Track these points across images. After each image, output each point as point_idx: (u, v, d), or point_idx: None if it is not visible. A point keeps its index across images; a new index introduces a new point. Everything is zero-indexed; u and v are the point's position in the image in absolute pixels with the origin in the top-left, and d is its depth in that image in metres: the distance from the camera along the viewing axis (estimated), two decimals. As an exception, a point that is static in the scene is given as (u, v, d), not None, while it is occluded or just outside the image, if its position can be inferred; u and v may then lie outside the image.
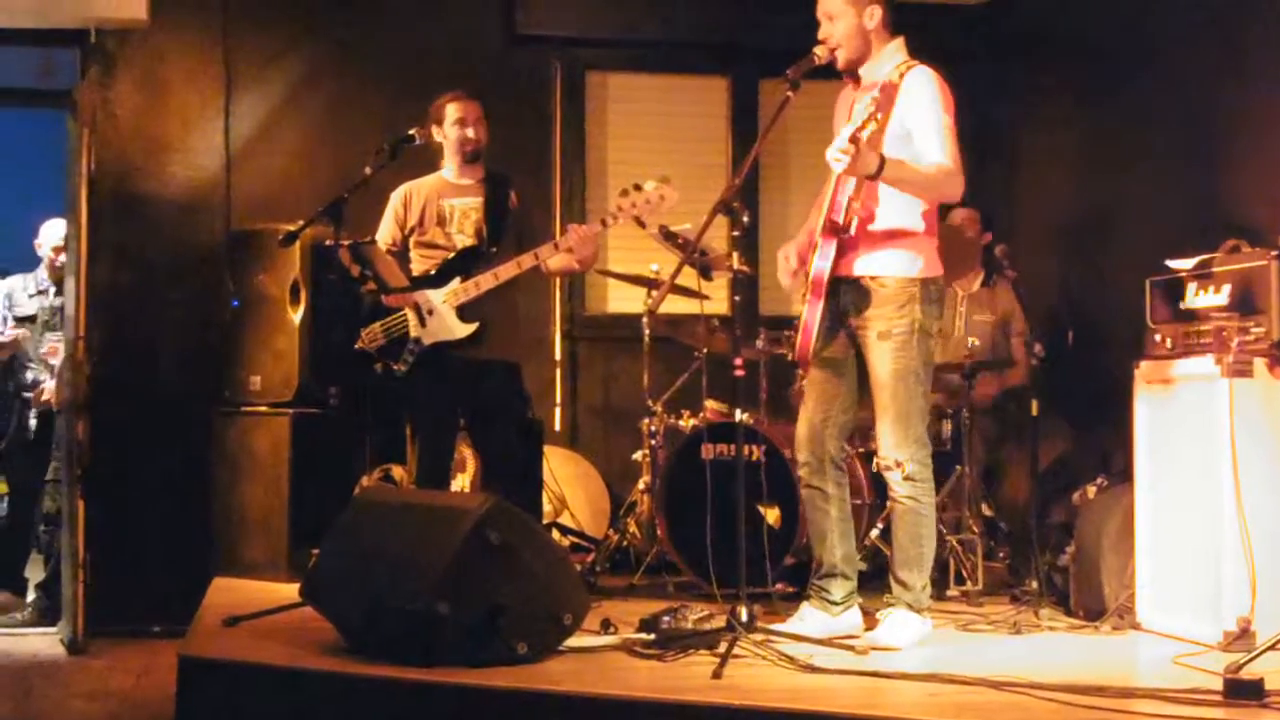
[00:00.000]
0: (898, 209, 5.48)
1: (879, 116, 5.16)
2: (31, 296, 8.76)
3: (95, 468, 7.62)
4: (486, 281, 6.49)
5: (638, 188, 6.40)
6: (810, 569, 6.59)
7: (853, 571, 5.79)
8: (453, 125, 6.71)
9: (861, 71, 5.61)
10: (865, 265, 5.52)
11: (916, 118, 5.39)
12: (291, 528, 7.33)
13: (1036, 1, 8.43)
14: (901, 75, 5.45)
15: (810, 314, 5.54)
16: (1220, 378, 5.44)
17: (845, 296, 5.56)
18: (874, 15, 5.56)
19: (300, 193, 8.04)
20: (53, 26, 8.12)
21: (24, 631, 8.09)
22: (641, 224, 6.49)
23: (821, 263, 5.47)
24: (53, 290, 8.67)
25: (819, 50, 5.58)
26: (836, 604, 5.70)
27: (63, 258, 8.59)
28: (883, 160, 5.22)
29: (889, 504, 5.67)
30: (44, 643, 7.77)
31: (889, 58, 5.57)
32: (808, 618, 5.69)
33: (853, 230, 5.46)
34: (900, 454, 5.50)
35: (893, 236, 5.50)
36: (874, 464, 5.74)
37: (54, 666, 7.26)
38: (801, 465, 5.79)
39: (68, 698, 6.59)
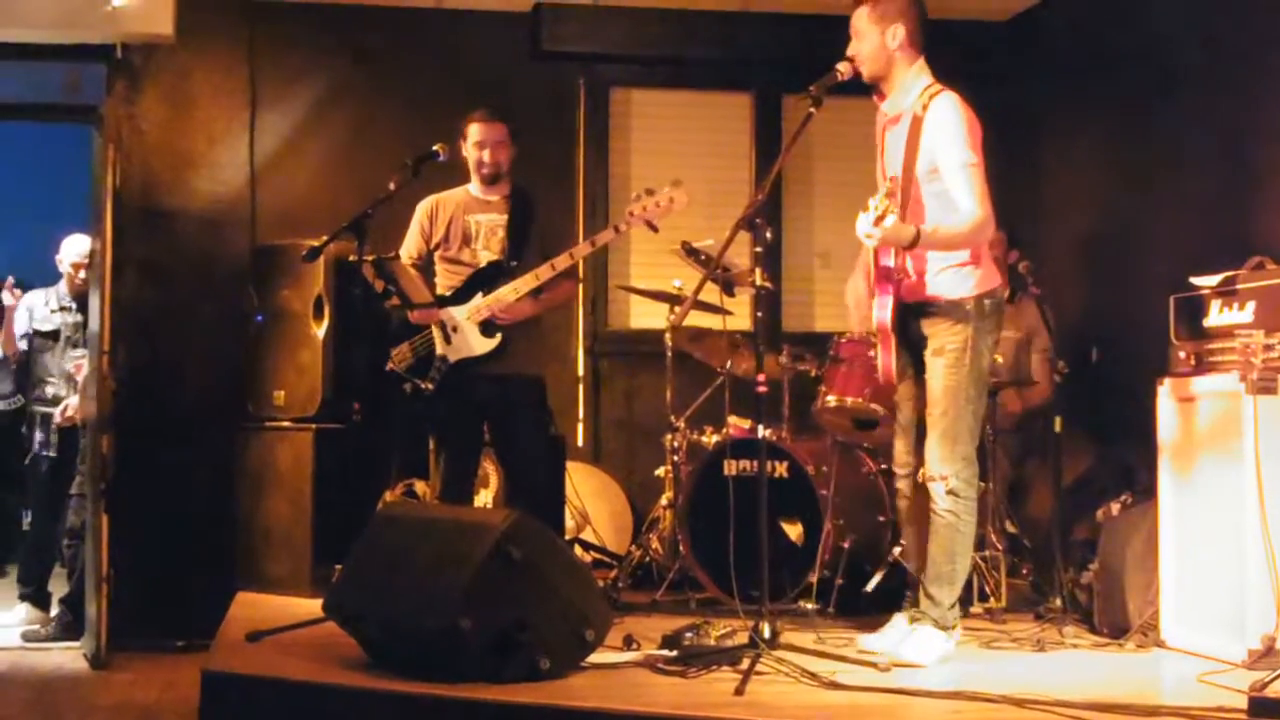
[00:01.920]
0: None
1: (894, 208, 5.16)
2: (54, 312, 8.78)
3: (119, 483, 7.63)
4: (506, 295, 6.50)
5: (649, 192, 6.41)
6: (832, 584, 6.61)
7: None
8: (472, 147, 6.73)
9: (887, 101, 5.64)
10: (917, 292, 5.57)
11: (942, 156, 5.40)
12: (314, 543, 7.34)
13: (1060, 17, 8.42)
14: (925, 106, 5.45)
15: (885, 356, 5.61)
16: (1245, 395, 5.42)
17: (908, 317, 5.61)
18: (896, 35, 5.55)
19: (324, 208, 8.06)
20: (80, 42, 8.15)
21: (48, 646, 8.12)
22: (654, 228, 6.48)
23: (882, 313, 5.52)
24: (75, 306, 8.69)
25: (841, 66, 5.60)
26: (953, 627, 5.67)
27: (83, 274, 8.63)
28: (917, 233, 5.25)
29: (930, 516, 5.63)
30: (67, 657, 7.79)
31: (913, 81, 5.57)
32: (901, 628, 5.70)
33: (913, 275, 5.53)
34: (946, 469, 5.49)
35: (945, 261, 5.54)
36: (919, 475, 5.71)
37: (77, 681, 7.28)
38: (901, 479, 5.84)
39: (91, 712, 6.61)
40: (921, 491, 5.76)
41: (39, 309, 8.82)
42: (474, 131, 6.70)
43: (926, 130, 5.44)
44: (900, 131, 5.55)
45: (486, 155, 6.70)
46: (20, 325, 8.85)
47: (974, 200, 5.39)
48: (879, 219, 5.16)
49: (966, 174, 5.40)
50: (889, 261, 5.49)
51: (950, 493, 5.50)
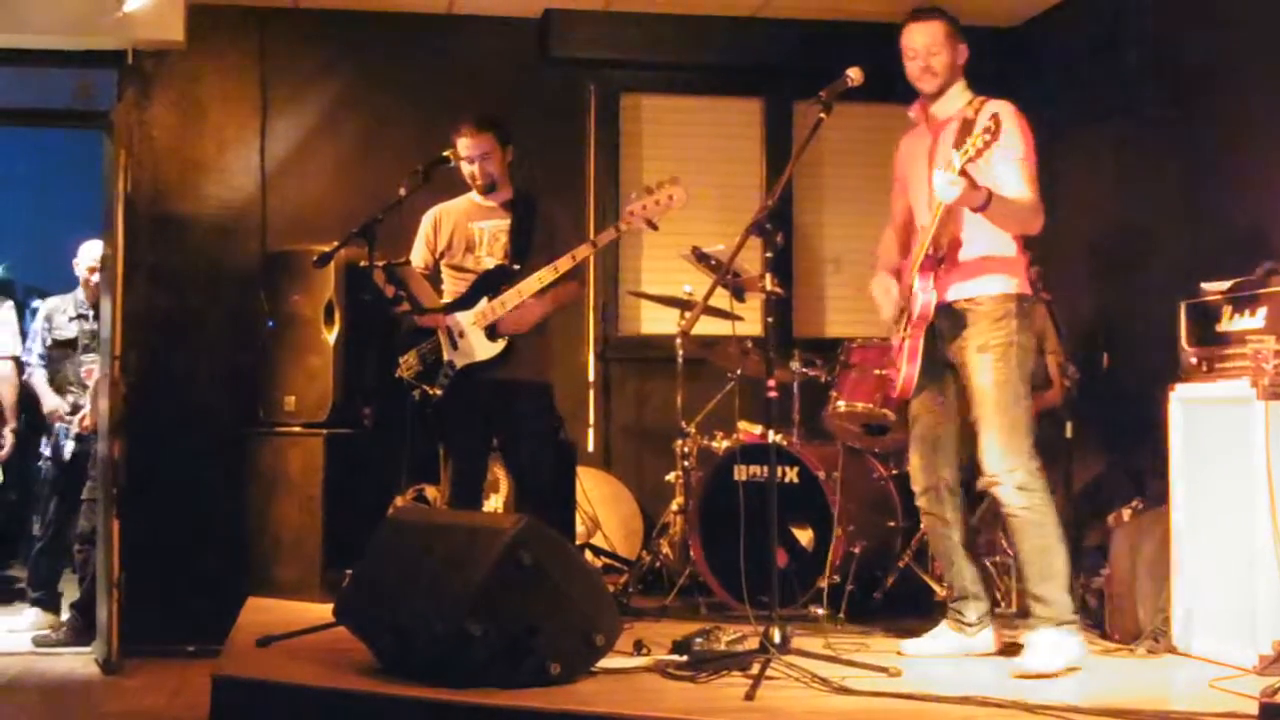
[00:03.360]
0: (989, 235, 5.53)
1: (983, 147, 5.17)
2: (71, 320, 8.79)
3: (130, 488, 7.64)
4: (511, 299, 6.50)
5: (648, 190, 6.41)
6: (842, 590, 6.61)
7: (984, 592, 5.84)
8: (462, 161, 6.70)
9: (937, 105, 5.71)
10: (960, 290, 5.58)
11: (997, 152, 5.37)
12: (325, 548, 7.35)
13: (1071, 23, 8.41)
14: (976, 110, 5.48)
15: (912, 348, 5.59)
16: (1256, 400, 5.42)
17: (942, 323, 5.60)
18: (963, 54, 5.69)
19: (335, 214, 8.06)
20: (91, 48, 8.16)
21: (59, 651, 8.12)
22: (653, 226, 6.46)
23: (926, 296, 5.52)
24: (92, 314, 8.70)
25: (852, 72, 5.62)
26: (971, 625, 5.77)
27: (96, 278, 8.64)
28: (989, 194, 5.27)
29: (1007, 520, 5.62)
30: (78, 662, 7.79)
31: (959, 94, 5.68)
32: (941, 637, 5.78)
33: (960, 259, 5.55)
34: (1011, 463, 5.46)
35: (986, 260, 5.57)
36: (978, 484, 5.69)
37: (88, 686, 7.28)
38: (920, 495, 5.84)
39: (102, 717, 6.62)
40: (944, 504, 5.75)
41: (58, 317, 8.83)
42: (460, 146, 6.66)
43: (979, 126, 5.39)
44: (947, 132, 5.57)
45: (476, 169, 6.68)
46: (38, 333, 8.86)
47: (1028, 187, 5.45)
48: (972, 159, 5.17)
49: (1020, 166, 5.46)
50: (937, 251, 5.50)
51: (1020, 488, 5.46)
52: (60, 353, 8.78)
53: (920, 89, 5.72)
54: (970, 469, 5.74)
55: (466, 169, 6.69)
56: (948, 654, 5.70)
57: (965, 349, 5.58)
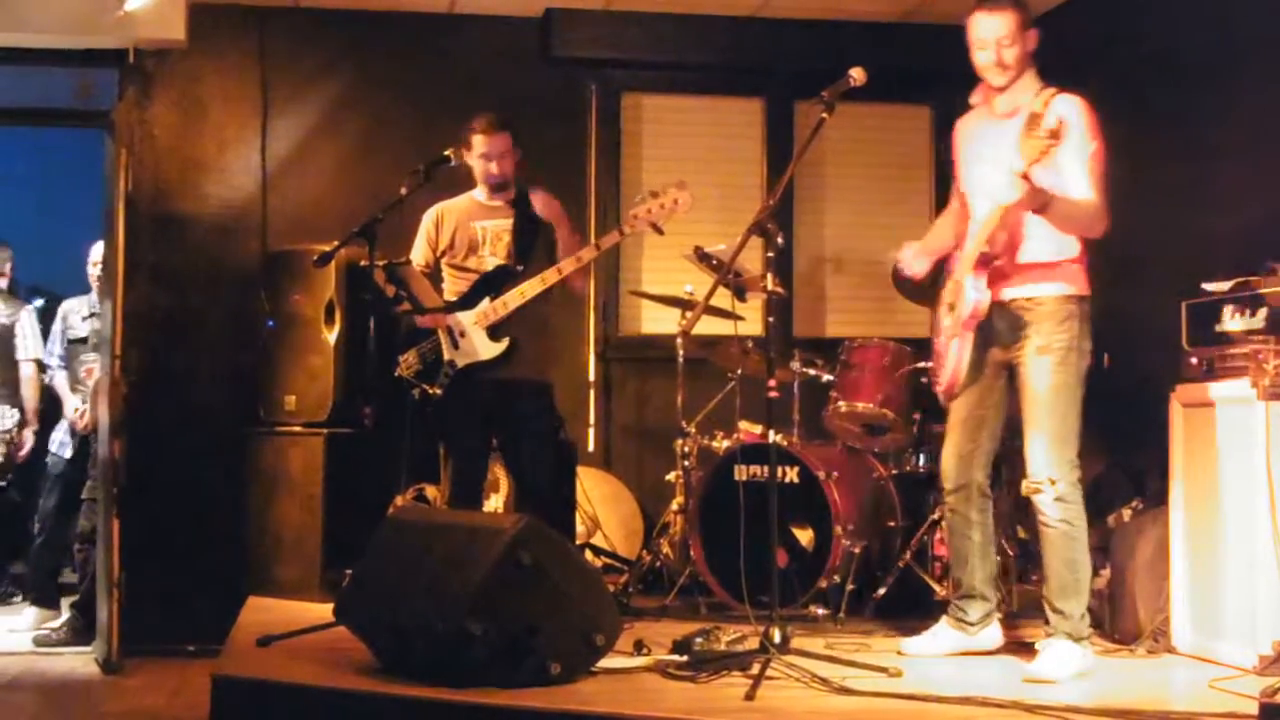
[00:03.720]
0: (1053, 233, 5.44)
1: (1046, 149, 5.07)
2: (84, 319, 8.82)
3: (130, 487, 7.64)
4: (514, 300, 6.50)
5: (654, 194, 6.41)
6: (842, 590, 6.61)
7: (992, 594, 5.82)
8: (478, 158, 6.70)
9: (1003, 98, 5.57)
10: (1019, 290, 5.50)
11: (1069, 151, 5.30)
12: (325, 547, 7.35)
13: (1075, 24, 8.40)
14: (1046, 103, 5.34)
15: (961, 348, 5.55)
16: (1256, 401, 5.42)
17: (998, 322, 5.54)
18: (1033, 42, 5.54)
19: (335, 213, 8.06)
20: (92, 47, 8.17)
21: (59, 651, 8.12)
22: (659, 230, 6.47)
23: (979, 295, 5.42)
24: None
25: (854, 72, 5.59)
26: (972, 624, 5.74)
27: (98, 270, 8.67)
28: (1051, 196, 5.20)
29: (1041, 530, 5.55)
30: (79, 662, 7.80)
31: (1027, 85, 5.53)
32: (940, 635, 5.77)
33: (1020, 259, 5.46)
34: (1054, 472, 5.42)
35: (1048, 259, 5.49)
36: (1022, 488, 5.67)
37: (88, 686, 7.28)
38: (949, 493, 5.79)
39: (102, 717, 6.62)
40: (971, 504, 5.73)
41: (72, 317, 8.88)
42: (479, 143, 6.67)
43: (1049, 119, 5.29)
44: (1013, 124, 5.41)
45: (494, 167, 6.67)
46: (57, 335, 8.92)
47: (1093, 189, 5.34)
48: (1036, 160, 5.08)
49: (1089, 165, 5.35)
50: (993, 249, 5.43)
51: (1060, 499, 5.43)
52: (74, 350, 8.84)
53: (990, 82, 5.58)
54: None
55: (482, 166, 6.68)
56: (949, 652, 5.69)
57: (1024, 350, 5.50)
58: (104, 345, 7.94)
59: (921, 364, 6.92)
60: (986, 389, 5.66)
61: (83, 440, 8.64)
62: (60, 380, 8.87)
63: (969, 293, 5.44)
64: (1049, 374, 5.44)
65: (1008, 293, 5.51)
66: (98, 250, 8.80)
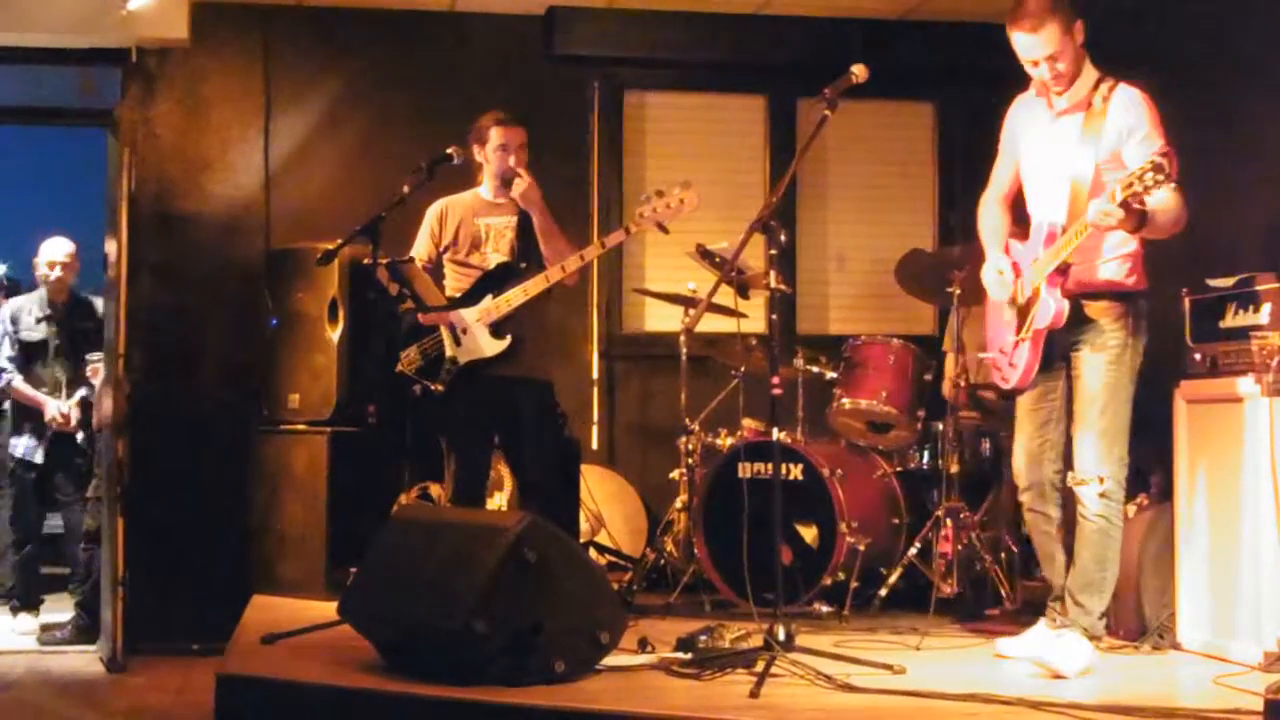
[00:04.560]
0: (1115, 236, 5.37)
1: (1154, 183, 4.88)
2: (39, 321, 8.70)
3: (134, 486, 7.64)
4: (516, 298, 6.51)
5: (659, 194, 6.41)
6: (847, 587, 6.60)
7: None
8: (495, 150, 6.68)
9: (1065, 95, 5.45)
10: (1090, 280, 5.43)
11: (1132, 144, 5.25)
12: (329, 546, 7.35)
13: (1085, 18, 8.40)
14: (1105, 99, 5.32)
15: (1034, 350, 5.44)
16: (1260, 397, 5.42)
17: None
18: (1080, 32, 5.37)
19: (338, 211, 8.05)
20: (95, 45, 8.16)
21: (63, 649, 8.12)
22: (664, 229, 6.47)
23: (1057, 305, 5.33)
24: (57, 314, 8.66)
25: (856, 69, 5.57)
26: (1101, 639, 5.58)
27: (58, 271, 8.64)
28: (1143, 216, 5.09)
29: (1078, 520, 5.51)
30: (83, 660, 7.80)
31: (1085, 76, 5.41)
32: (1038, 635, 5.62)
33: (1075, 265, 5.39)
34: (1103, 469, 5.40)
35: (1115, 251, 5.43)
36: (1067, 479, 5.63)
37: (93, 684, 7.28)
38: (1023, 491, 5.70)
39: (106, 716, 6.61)
40: (1047, 501, 5.64)
41: (24, 316, 8.72)
42: (497, 135, 6.66)
43: (1111, 119, 5.29)
44: (1074, 122, 5.39)
45: (512, 159, 6.65)
46: (4, 336, 8.68)
47: (1170, 189, 5.18)
48: (1136, 195, 4.92)
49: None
50: (1071, 259, 5.34)
51: (1104, 495, 5.40)
52: (30, 353, 8.70)
53: (1051, 93, 5.45)
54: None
55: (500, 157, 6.65)
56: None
57: (1080, 347, 5.45)
58: (108, 344, 7.93)
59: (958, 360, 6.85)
60: (1053, 383, 5.59)
61: (54, 440, 8.61)
62: (20, 384, 8.66)
63: (1047, 301, 5.36)
64: (1103, 372, 5.41)
65: (1076, 287, 5.42)
66: (48, 246, 8.74)
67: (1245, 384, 5.52)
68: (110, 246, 8.01)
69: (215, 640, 6.54)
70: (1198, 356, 5.92)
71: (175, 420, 8.14)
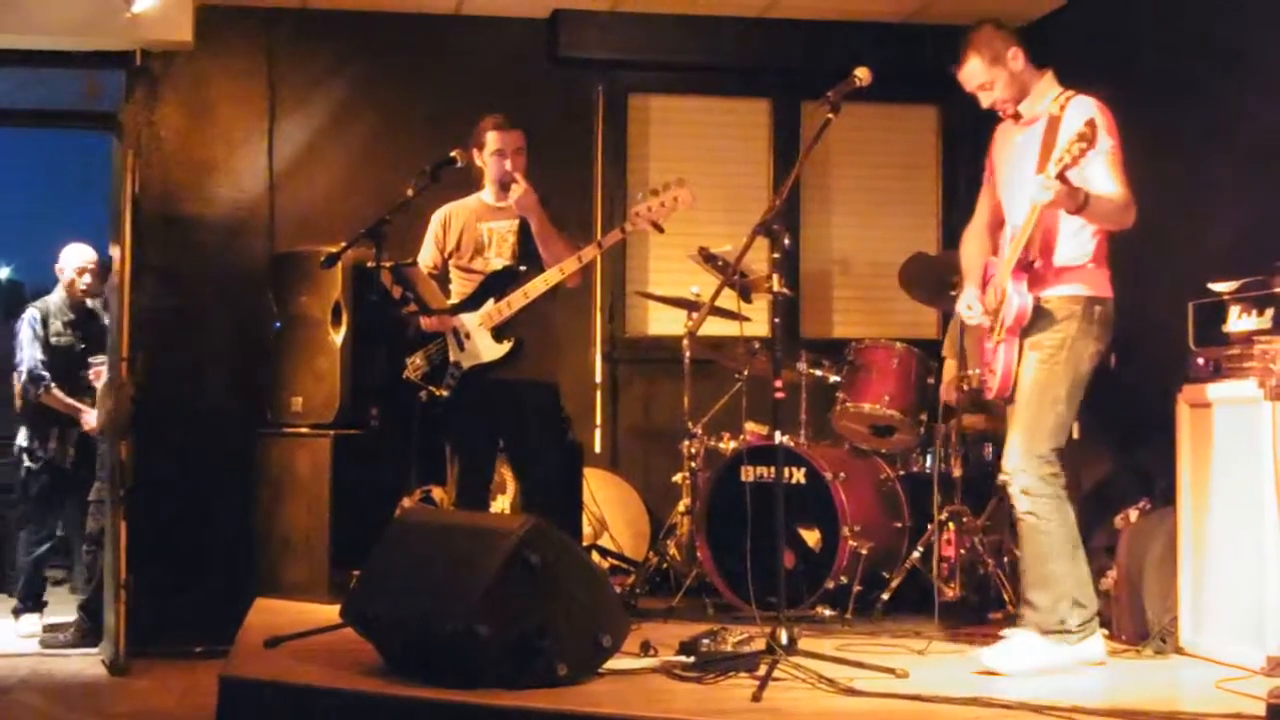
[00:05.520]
0: (1072, 238, 5.49)
1: (1079, 152, 5.13)
2: (65, 325, 8.70)
3: (138, 489, 7.64)
4: (518, 300, 6.51)
5: (654, 192, 6.41)
6: (849, 591, 6.60)
7: (1088, 599, 5.58)
8: (492, 155, 6.70)
9: (1023, 105, 5.65)
10: (1047, 290, 5.52)
11: (1090, 152, 5.29)
12: (332, 549, 7.35)
13: (1074, 24, 8.40)
14: (1062, 107, 5.47)
15: (1009, 351, 5.54)
16: (1264, 401, 5.41)
17: (1036, 321, 5.54)
18: (1017, 58, 5.61)
19: (342, 215, 8.07)
20: (99, 49, 8.17)
21: (66, 652, 8.12)
22: (659, 228, 6.47)
23: (1022, 300, 5.45)
24: (79, 318, 8.66)
25: (860, 72, 5.61)
26: (1073, 633, 5.55)
27: (86, 279, 8.62)
28: (1086, 196, 5.23)
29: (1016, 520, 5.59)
30: (86, 663, 7.80)
31: (1044, 91, 5.62)
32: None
33: (1038, 264, 5.48)
34: (1022, 465, 5.45)
35: (1069, 263, 5.52)
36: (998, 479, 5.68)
37: (96, 687, 7.29)
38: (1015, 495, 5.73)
39: (110, 718, 6.62)
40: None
41: (52, 323, 8.72)
42: (493, 140, 6.67)
43: (1066, 125, 5.40)
44: (1035, 132, 5.55)
45: (509, 164, 6.66)
46: (26, 339, 8.67)
47: (1118, 183, 5.38)
48: (1069, 165, 5.13)
49: (1109, 159, 5.39)
50: (1032, 255, 5.45)
51: (1025, 492, 5.45)
52: (55, 358, 8.70)
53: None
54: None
55: (496, 163, 6.67)
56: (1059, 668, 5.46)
57: (1025, 344, 5.54)
58: (111, 347, 7.93)
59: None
60: None
61: (80, 442, 8.61)
62: (58, 391, 8.62)
63: (1013, 298, 5.47)
64: (1033, 370, 5.49)
65: (1041, 294, 5.51)
66: (71, 252, 8.74)
67: (1249, 388, 5.52)
68: (114, 249, 8.01)
69: (218, 643, 6.56)
70: (1201, 360, 5.91)
71: (178, 423, 8.14)
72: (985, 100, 5.66)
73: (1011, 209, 5.69)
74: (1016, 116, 5.68)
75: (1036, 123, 5.57)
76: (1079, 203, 5.23)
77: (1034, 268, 5.48)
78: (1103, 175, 5.38)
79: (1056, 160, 5.15)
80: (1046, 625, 5.45)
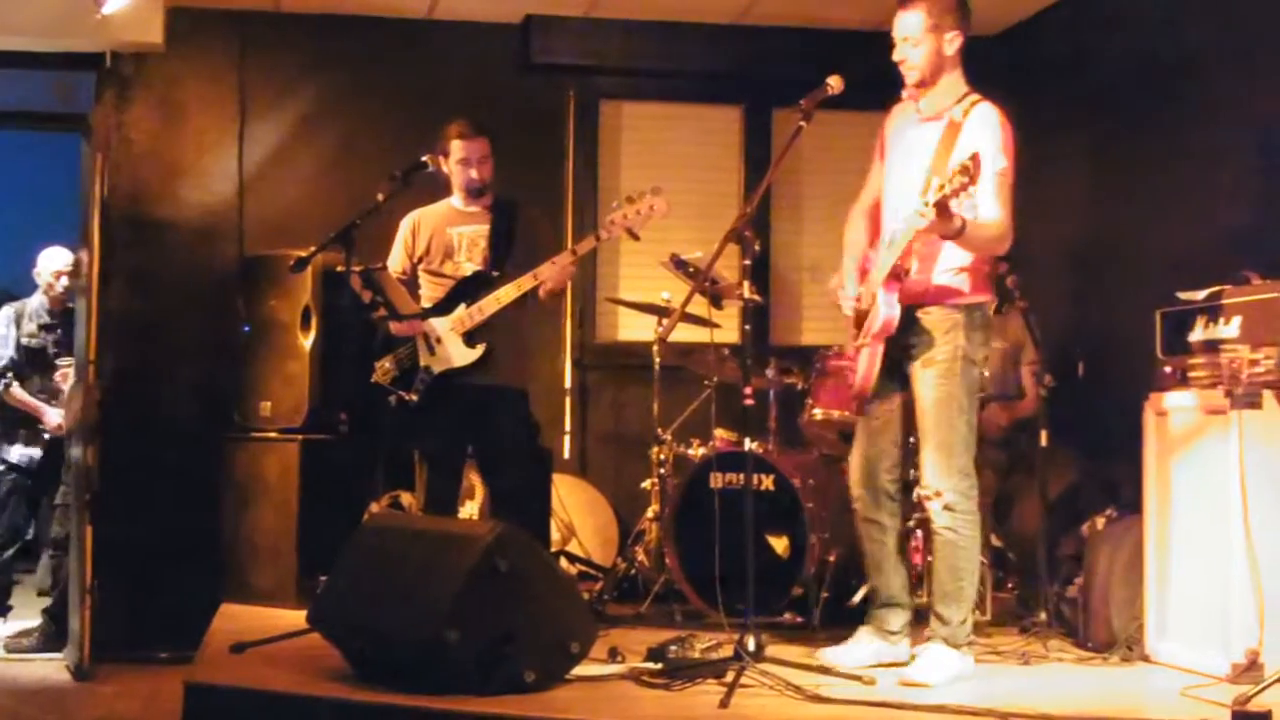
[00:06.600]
0: (953, 246, 5.43)
1: (960, 185, 5.02)
2: (41, 329, 8.67)
3: (103, 493, 7.61)
4: (489, 306, 6.50)
5: (630, 200, 6.42)
6: (818, 598, 6.60)
7: (910, 601, 5.77)
8: (456, 164, 6.70)
9: (925, 100, 5.59)
10: (919, 294, 5.51)
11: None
12: (300, 554, 7.32)
13: (1048, 32, 8.44)
14: (966, 113, 5.42)
15: (871, 355, 5.56)
16: (1229, 410, 5.44)
17: (901, 331, 5.53)
18: (954, 42, 5.52)
19: (312, 218, 8.04)
20: (69, 50, 8.15)
21: (30, 657, 8.07)
22: (634, 236, 6.47)
23: (890, 310, 5.43)
24: (55, 322, 8.61)
25: (832, 80, 5.60)
26: (894, 633, 5.70)
27: (64, 281, 8.58)
28: (963, 224, 5.18)
29: (932, 533, 5.61)
30: (50, 668, 7.75)
31: (952, 87, 5.54)
32: (863, 645, 5.69)
33: (913, 274, 5.47)
34: (941, 483, 5.47)
35: (946, 265, 5.51)
36: (914, 493, 5.72)
37: (60, 693, 7.24)
38: (856, 500, 5.78)
39: (74, 723, 6.60)
40: (881, 508, 5.72)
41: (25, 324, 8.69)
42: (457, 148, 6.68)
43: (966, 134, 5.37)
44: (934, 130, 5.49)
45: (474, 173, 6.67)
46: (10, 340, 8.62)
47: (1000, 208, 5.35)
48: (951, 195, 5.04)
49: (997, 182, 5.34)
50: (907, 265, 5.43)
51: (947, 508, 5.47)
52: (29, 360, 8.66)
53: (905, 80, 5.59)
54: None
55: (461, 171, 6.68)
56: (871, 663, 5.56)
57: (913, 360, 5.54)
58: (78, 350, 7.89)
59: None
60: (890, 393, 5.67)
61: (50, 446, 8.56)
62: (18, 390, 8.56)
63: (881, 308, 5.46)
64: (933, 386, 5.49)
65: (907, 298, 5.50)
66: (48, 255, 8.67)
67: (1214, 397, 5.54)
68: (82, 252, 7.97)
69: (184, 649, 6.52)
70: (1168, 369, 5.94)
71: (145, 427, 8.11)
72: (898, 55, 5.52)
73: (891, 206, 5.64)
74: (916, 95, 5.59)
75: (936, 122, 5.50)
76: (955, 231, 5.18)
77: (907, 277, 5.45)
78: (988, 198, 5.33)
79: (937, 188, 5.07)
80: (957, 639, 5.50)
